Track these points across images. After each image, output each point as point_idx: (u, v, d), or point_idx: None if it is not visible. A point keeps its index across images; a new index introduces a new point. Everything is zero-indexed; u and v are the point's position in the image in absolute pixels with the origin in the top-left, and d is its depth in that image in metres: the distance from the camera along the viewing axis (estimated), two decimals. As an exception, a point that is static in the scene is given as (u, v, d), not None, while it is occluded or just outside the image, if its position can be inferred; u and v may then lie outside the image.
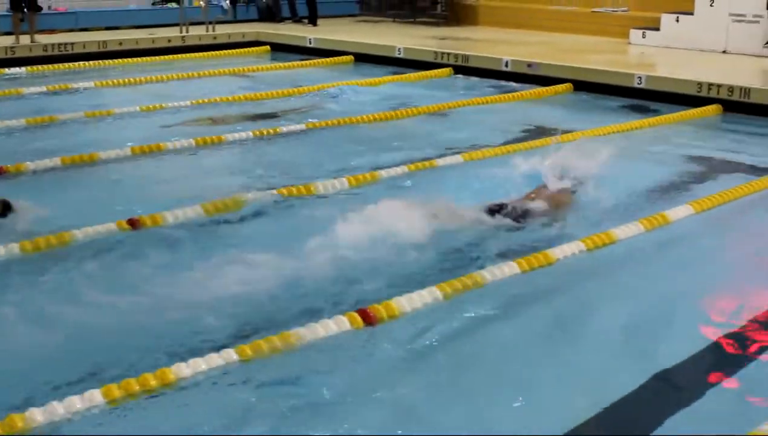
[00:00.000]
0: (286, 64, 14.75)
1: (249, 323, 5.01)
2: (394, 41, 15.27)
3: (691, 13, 15.10)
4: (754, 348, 5.08)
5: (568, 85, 12.62)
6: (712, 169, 8.64)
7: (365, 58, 15.05)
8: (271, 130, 9.68)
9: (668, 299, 5.73)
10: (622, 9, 17.23)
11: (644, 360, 4.83)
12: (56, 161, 8.12)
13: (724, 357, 5.05)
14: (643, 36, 15.69)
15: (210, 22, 16.38)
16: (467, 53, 14.09)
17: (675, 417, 4.28)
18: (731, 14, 14.57)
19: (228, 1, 17.94)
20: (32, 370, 4.46)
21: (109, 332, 4.85)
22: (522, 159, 8.03)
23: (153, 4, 18.33)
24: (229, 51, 15.74)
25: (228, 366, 4.45)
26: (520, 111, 11.42)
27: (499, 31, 17.58)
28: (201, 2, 16.67)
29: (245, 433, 4.04)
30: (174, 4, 17.59)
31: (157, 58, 14.77)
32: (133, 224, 6.42)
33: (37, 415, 3.89)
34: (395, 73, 13.99)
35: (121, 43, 15.08)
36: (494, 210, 6.80)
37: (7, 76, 12.91)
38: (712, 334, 5.21)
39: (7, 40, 14.12)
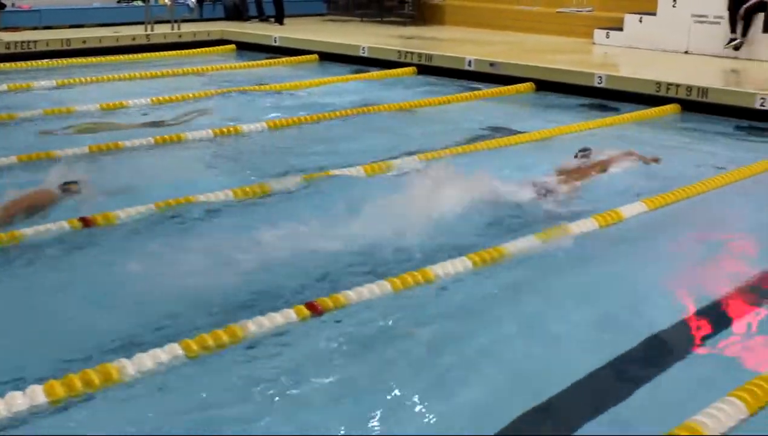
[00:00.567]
0: (251, 63, 14.73)
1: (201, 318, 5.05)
2: (359, 40, 15.30)
3: (654, 14, 15.23)
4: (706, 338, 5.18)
5: (529, 85, 12.70)
6: (667, 167, 8.71)
7: (330, 57, 15.07)
8: (232, 129, 9.67)
9: (618, 293, 5.80)
10: (587, 9, 17.35)
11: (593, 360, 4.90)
12: (12, 160, 8.09)
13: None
14: (607, 36, 15.80)
15: (175, 21, 16.34)
16: (431, 52, 14.14)
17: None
18: (693, 15, 14.71)
19: (194, 0, 17.95)
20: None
21: (45, 332, 4.86)
22: (483, 158, 8.12)
23: (118, 1, 18.24)
24: (195, 50, 15.70)
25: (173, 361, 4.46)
26: (481, 110, 11.49)
27: (465, 31, 17.65)
28: (167, 0, 16.64)
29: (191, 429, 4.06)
30: (139, 2, 17.51)
31: (121, 56, 14.70)
32: (86, 222, 6.41)
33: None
34: (359, 72, 14.02)
35: (84, 42, 15.00)
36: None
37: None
38: (662, 327, 5.30)
39: (-31, 38, 14.05)
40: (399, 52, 14.41)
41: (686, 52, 14.77)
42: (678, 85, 11.54)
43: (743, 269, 6.44)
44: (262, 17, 18.37)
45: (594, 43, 15.88)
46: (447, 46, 15.33)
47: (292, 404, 4.30)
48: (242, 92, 12.01)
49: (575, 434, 4.13)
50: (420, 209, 7.00)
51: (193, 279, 5.47)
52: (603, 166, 8.24)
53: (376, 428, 4.15)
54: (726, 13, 14.15)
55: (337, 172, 7.90)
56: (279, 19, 17.95)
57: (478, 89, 12.60)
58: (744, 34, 14.00)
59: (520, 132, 10.01)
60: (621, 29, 15.61)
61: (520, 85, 12.68)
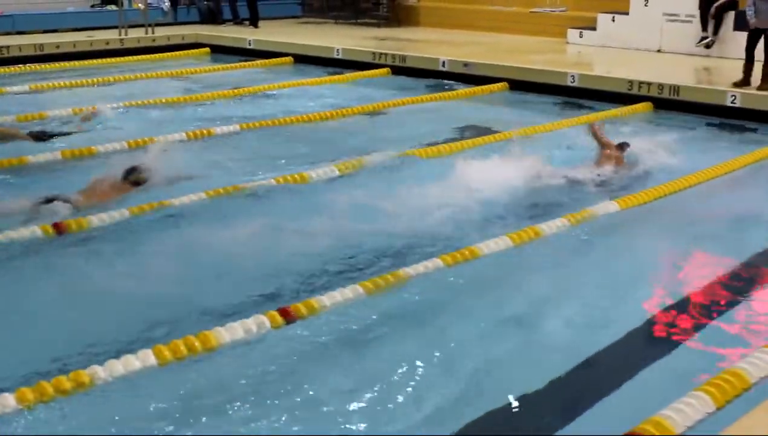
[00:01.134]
0: (226, 65, 14.72)
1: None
2: (334, 42, 15.31)
3: (627, 13, 15.33)
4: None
5: (503, 84, 12.75)
6: (639, 165, 8.77)
7: (305, 60, 15.08)
8: (205, 132, 9.66)
9: (584, 292, 5.85)
10: (560, 9, 17.43)
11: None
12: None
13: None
14: (581, 36, 15.89)
15: (149, 25, 16.29)
16: (405, 54, 14.18)
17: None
18: (665, 14, 14.83)
19: (168, 3, 17.89)
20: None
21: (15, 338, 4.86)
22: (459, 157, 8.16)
23: (92, 6, 18.18)
24: (169, 53, 15.66)
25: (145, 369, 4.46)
26: (456, 110, 11.53)
27: (439, 32, 17.69)
28: (140, 4, 16.59)
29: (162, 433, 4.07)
30: (113, 7, 17.44)
31: (95, 60, 14.65)
32: (59, 228, 6.39)
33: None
34: (334, 74, 14.03)
35: (58, 46, 14.94)
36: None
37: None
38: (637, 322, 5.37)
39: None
40: (373, 53, 14.44)
41: (659, 51, 14.87)
42: (650, 84, 11.63)
43: (715, 264, 6.50)
44: (237, 20, 18.35)
45: (567, 43, 15.97)
46: (421, 47, 15.38)
47: (261, 411, 4.31)
48: (218, 95, 11.98)
49: (555, 434, 4.16)
50: (391, 210, 7.05)
51: (163, 285, 5.48)
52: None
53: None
54: (697, 12, 14.26)
55: (312, 173, 7.90)
56: (253, 22, 17.94)
57: (453, 89, 12.63)
58: (715, 32, 14.11)
59: (494, 131, 10.05)
60: (594, 29, 15.70)
61: (494, 84, 12.73)
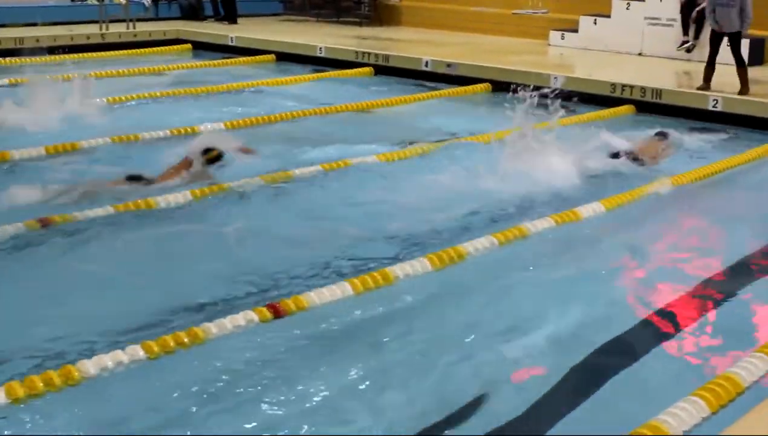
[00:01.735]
0: (207, 62, 14.66)
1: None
2: (316, 41, 15.30)
3: (609, 16, 15.40)
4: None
5: (486, 85, 12.78)
6: (623, 167, 8.82)
7: (287, 57, 15.05)
8: (189, 129, 9.61)
9: (569, 291, 5.87)
10: (542, 11, 17.48)
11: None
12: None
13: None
14: (562, 38, 15.95)
15: (131, 20, 16.20)
16: (388, 53, 14.19)
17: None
18: (647, 18, 14.91)
19: (149, -1, 17.84)
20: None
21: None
22: (438, 158, 8.14)
23: (72, 0, 18.06)
24: (150, 49, 15.58)
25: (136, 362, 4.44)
26: (438, 110, 11.55)
27: (421, 32, 17.69)
28: (121, -1, 16.52)
29: (151, 430, 4.05)
30: (94, 1, 17.30)
31: (75, 55, 14.53)
32: (44, 223, 6.35)
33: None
34: (316, 72, 14.01)
35: (38, 40, 14.81)
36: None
37: None
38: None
39: None
40: (356, 52, 14.43)
41: (640, 54, 14.95)
42: (632, 87, 11.70)
43: (704, 267, 6.52)
44: (218, 17, 18.28)
45: (549, 45, 16.02)
46: (404, 46, 15.39)
47: (251, 406, 4.30)
48: (199, 92, 11.93)
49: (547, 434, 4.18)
50: (378, 209, 7.07)
51: (151, 281, 5.46)
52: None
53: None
54: (679, 16, 14.35)
55: (297, 171, 7.89)
56: (230, 18, 17.83)
57: (436, 90, 12.65)
58: (696, 36, 14.20)
59: (476, 132, 10.06)
60: (576, 31, 15.76)
61: (476, 85, 12.75)
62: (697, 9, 13.98)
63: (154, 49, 15.66)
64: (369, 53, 14.29)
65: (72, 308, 5.12)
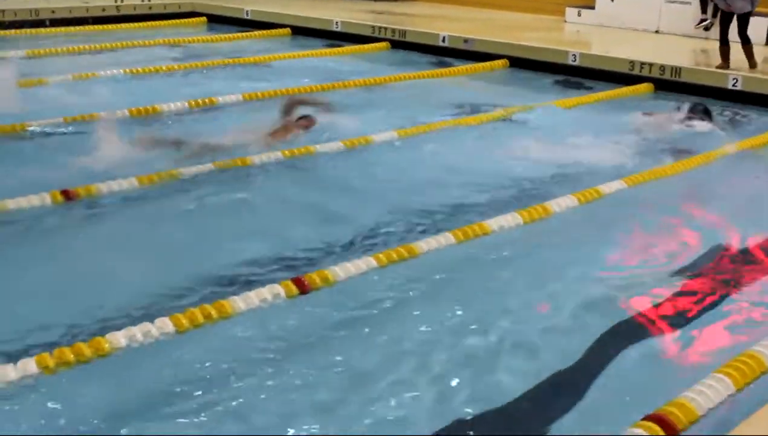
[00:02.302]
0: (223, 35, 14.60)
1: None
2: (332, 15, 15.22)
3: (626, -7, 15.31)
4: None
5: (503, 62, 12.72)
6: (643, 145, 8.79)
7: (302, 31, 14.98)
8: (207, 101, 9.59)
9: (597, 269, 5.85)
10: (559, -13, 17.35)
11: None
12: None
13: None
14: (579, 14, 15.85)
15: (145, -8, 16.16)
16: (404, 28, 14.11)
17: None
18: (664, -5, 14.82)
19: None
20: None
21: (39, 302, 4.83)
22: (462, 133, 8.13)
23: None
24: (165, 21, 15.53)
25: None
26: (455, 86, 11.50)
27: (437, 7, 17.61)
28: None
29: (180, 403, 4.05)
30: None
31: (90, 27, 14.51)
32: (67, 195, 6.34)
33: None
34: (332, 46, 13.96)
35: (53, 12, 14.78)
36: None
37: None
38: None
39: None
40: (372, 27, 14.36)
41: (657, 32, 14.85)
42: (651, 65, 11.62)
43: (720, 245, 6.50)
44: None
45: (566, 21, 15.92)
46: (420, 22, 15.31)
47: (277, 380, 4.30)
48: (216, 65, 11.90)
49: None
50: (400, 185, 7.05)
51: (180, 254, 5.47)
52: None
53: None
54: (696, -6, 14.26)
55: (318, 147, 7.86)
56: None
57: (452, 65, 12.59)
58: (714, 15, 14.03)
59: (494, 109, 10.03)
60: (593, 7, 15.65)
61: (494, 62, 12.69)
62: (716, -13, 13.87)
63: (169, 21, 15.60)
64: (385, 28, 14.21)
65: (100, 280, 5.11)
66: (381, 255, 5.49)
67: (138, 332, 4.37)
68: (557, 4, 16.52)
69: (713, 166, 8.26)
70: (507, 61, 12.72)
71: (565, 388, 4.40)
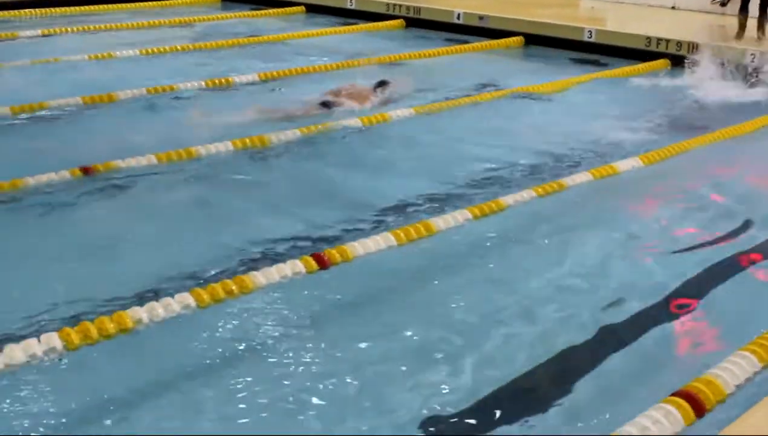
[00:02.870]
0: (237, 13, 14.58)
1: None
2: (346, -8, 15.19)
3: (643, -31, 15.22)
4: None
5: (519, 39, 12.68)
6: (660, 122, 8.77)
7: (317, 9, 14.95)
8: (224, 81, 9.61)
9: (612, 246, 5.86)
10: (573, -37, 17.26)
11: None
12: (5, 110, 8.02)
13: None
14: (594, -9, 15.77)
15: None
16: (419, 5, 14.07)
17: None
18: (680, -30, 14.72)
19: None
20: None
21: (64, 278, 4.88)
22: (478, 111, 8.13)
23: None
24: (180, 0, 15.51)
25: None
26: (471, 64, 11.48)
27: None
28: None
29: (200, 378, 4.09)
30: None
31: (105, 6, 14.52)
32: (87, 171, 6.39)
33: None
34: (346, 24, 13.94)
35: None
36: None
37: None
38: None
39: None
40: (387, 4, 14.32)
41: (673, 8, 14.77)
42: (668, 41, 11.57)
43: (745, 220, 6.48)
44: None
45: (582, -2, 15.86)
46: (435, -1, 15.26)
47: (298, 354, 4.34)
48: (231, 44, 11.91)
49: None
50: (417, 162, 7.07)
51: (197, 230, 5.50)
52: None
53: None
54: (713, -31, 14.15)
55: (333, 124, 7.87)
56: None
57: (467, 42, 12.56)
58: (731, -11, 14.01)
59: (510, 86, 10.01)
60: (608, -16, 15.58)
61: (509, 39, 12.65)
62: (733, -39, 13.78)
63: (184, 0, 15.58)
64: (400, 5, 14.17)
65: (121, 256, 5.19)
66: (399, 232, 5.50)
67: (160, 308, 4.41)
68: (572, -20, 16.43)
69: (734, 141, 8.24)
70: (522, 38, 12.67)
71: (584, 365, 4.42)
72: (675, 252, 5.82)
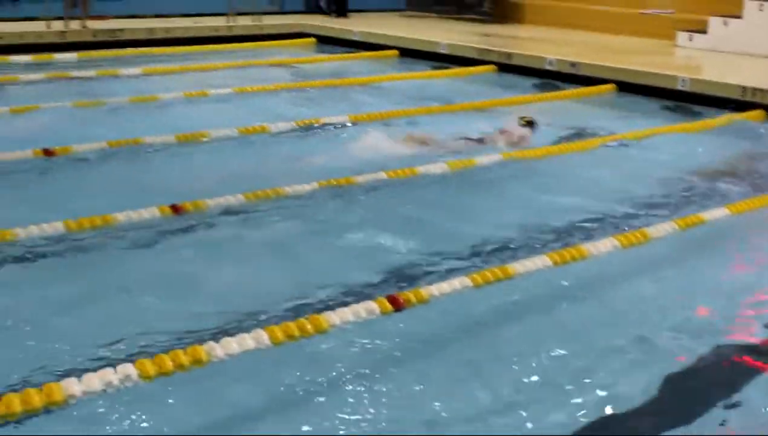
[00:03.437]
0: (331, 56, 14.85)
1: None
2: (438, 37, 15.33)
3: (740, 17, 14.97)
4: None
5: (611, 86, 12.60)
6: (749, 172, 8.61)
7: (409, 53, 15.12)
8: (314, 121, 9.76)
9: (698, 300, 5.76)
10: (669, 11, 17.13)
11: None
12: (103, 145, 8.29)
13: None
14: (690, 39, 15.58)
15: (256, 13, 16.52)
16: (510, 51, 14.11)
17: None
18: (781, 19, 14.46)
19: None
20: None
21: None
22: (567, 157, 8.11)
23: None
24: (275, 42, 15.87)
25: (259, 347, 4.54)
26: (562, 111, 11.44)
27: (543, 30, 17.57)
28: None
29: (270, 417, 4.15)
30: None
31: (202, 46, 14.94)
32: (176, 209, 6.55)
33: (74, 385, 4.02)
34: (438, 68, 14.05)
35: (168, 31, 15.27)
36: None
37: (57, 61, 13.14)
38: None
39: (59, 25, 14.35)
40: (478, 49, 14.39)
41: (773, 57, 14.50)
42: (764, 91, 11.34)
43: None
44: (329, 10, 18.45)
45: (676, 46, 15.68)
46: (526, 44, 15.30)
47: (371, 395, 4.36)
48: (324, 85, 12.12)
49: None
50: (503, 206, 7.07)
51: (278, 269, 5.60)
52: None
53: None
54: (815, 18, 13.88)
55: (421, 169, 7.91)
56: (340, 12, 17.99)
57: (559, 89, 12.53)
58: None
59: (599, 133, 9.94)
60: (704, 32, 15.38)
61: (601, 86, 12.58)
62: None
63: (279, 42, 15.93)
64: (491, 51, 14.23)
65: (201, 292, 5.30)
66: (476, 275, 5.50)
67: (235, 344, 4.48)
68: (667, 28, 16.30)
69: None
70: (614, 85, 12.58)
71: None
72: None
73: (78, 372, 4.14)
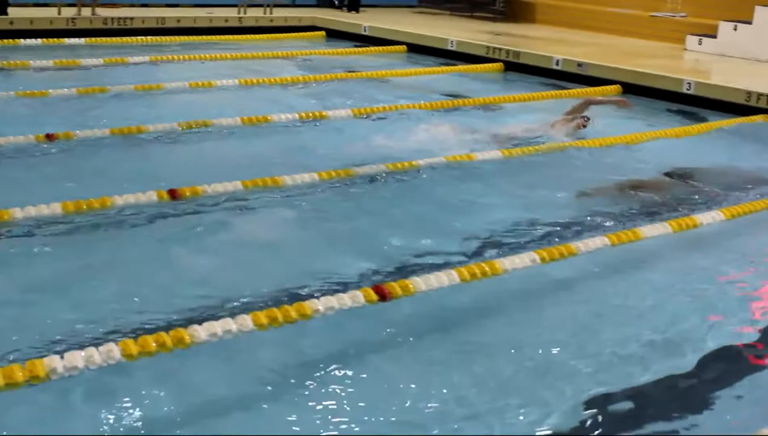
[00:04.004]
0: (340, 50, 14.88)
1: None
2: (448, 34, 15.36)
3: (750, 22, 14.96)
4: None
5: (616, 87, 12.61)
6: (747, 177, 8.62)
7: (418, 49, 15.16)
8: (317, 114, 9.81)
9: (697, 298, 5.79)
10: (681, 14, 17.12)
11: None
12: (105, 132, 8.35)
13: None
14: (700, 43, 15.58)
15: (267, 5, 16.56)
16: (518, 50, 14.13)
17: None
18: (790, 25, 14.45)
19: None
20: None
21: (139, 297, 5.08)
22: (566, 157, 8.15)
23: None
24: (285, 34, 15.91)
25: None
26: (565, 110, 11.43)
27: (554, 30, 17.58)
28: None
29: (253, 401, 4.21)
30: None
31: (212, 37, 14.98)
32: (174, 194, 6.61)
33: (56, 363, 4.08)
34: (446, 65, 14.08)
35: (179, 21, 15.32)
36: None
37: (66, 47, 13.21)
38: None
39: (70, 12, 14.42)
40: (487, 47, 14.42)
41: (782, 63, 14.49)
42: (768, 96, 11.36)
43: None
44: (340, 4, 18.49)
45: (686, 49, 15.68)
46: (535, 44, 15.31)
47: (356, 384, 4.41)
48: (330, 79, 12.16)
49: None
50: (501, 203, 7.10)
51: (271, 257, 5.65)
52: None
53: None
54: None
55: (421, 162, 7.95)
56: (353, 7, 18.02)
57: (565, 89, 12.55)
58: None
59: (602, 134, 9.95)
60: (714, 36, 15.37)
61: (607, 86, 12.59)
62: None
63: (289, 34, 15.97)
64: (500, 49, 14.26)
65: (188, 276, 5.36)
66: (463, 269, 5.53)
67: (219, 328, 4.52)
68: (678, 31, 16.30)
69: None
70: (620, 87, 12.59)
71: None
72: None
73: (61, 350, 4.20)
